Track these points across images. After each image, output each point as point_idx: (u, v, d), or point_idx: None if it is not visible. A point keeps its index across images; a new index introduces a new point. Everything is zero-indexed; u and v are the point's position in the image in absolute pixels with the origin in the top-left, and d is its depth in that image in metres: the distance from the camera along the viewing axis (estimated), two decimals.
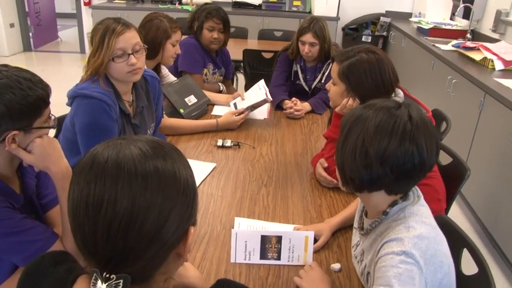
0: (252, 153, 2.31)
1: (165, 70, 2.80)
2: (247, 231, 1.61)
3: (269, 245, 1.49)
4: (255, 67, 4.15)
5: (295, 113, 2.84)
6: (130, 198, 0.74)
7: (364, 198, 1.28)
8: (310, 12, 6.63)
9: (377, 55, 1.81)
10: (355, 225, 1.43)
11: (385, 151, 1.12)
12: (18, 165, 1.38)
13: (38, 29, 8.26)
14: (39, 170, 1.37)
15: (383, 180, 1.16)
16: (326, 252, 1.57)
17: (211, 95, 2.97)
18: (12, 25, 7.61)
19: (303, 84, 3.15)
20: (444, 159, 2.05)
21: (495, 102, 3.06)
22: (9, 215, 1.25)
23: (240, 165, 2.18)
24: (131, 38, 1.86)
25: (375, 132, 1.14)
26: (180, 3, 6.96)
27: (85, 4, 7.44)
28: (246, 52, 4.08)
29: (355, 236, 1.42)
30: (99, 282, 0.76)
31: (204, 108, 2.83)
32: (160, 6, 6.84)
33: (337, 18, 6.47)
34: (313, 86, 3.14)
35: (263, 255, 1.49)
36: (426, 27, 5.17)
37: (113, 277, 0.75)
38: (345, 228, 1.68)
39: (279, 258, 1.50)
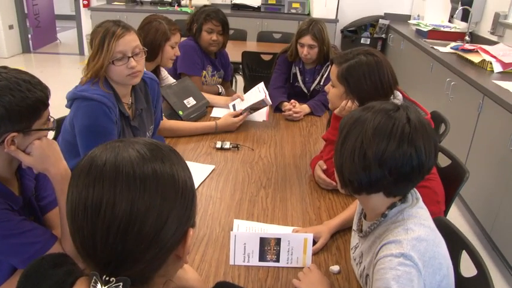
0: (250, 155, 2.31)
1: (164, 72, 2.81)
2: (246, 233, 1.61)
3: (268, 247, 1.49)
4: (254, 69, 4.16)
5: (294, 115, 2.84)
6: (128, 201, 0.74)
7: (363, 201, 1.28)
8: (309, 14, 6.64)
9: (376, 57, 1.82)
10: (354, 227, 1.43)
11: (384, 153, 1.12)
12: (17, 167, 1.38)
13: (37, 31, 8.26)
14: (38, 172, 1.37)
15: (381, 183, 1.16)
16: (325, 254, 1.58)
17: (210, 97, 2.97)
18: (11, 27, 7.61)
19: (302, 86, 3.16)
20: (443, 161, 2.05)
21: (494, 104, 3.06)
22: (8, 217, 1.25)
23: (239, 167, 2.18)
24: (131, 41, 1.87)
25: (373, 135, 1.14)
26: (179, 5, 6.96)
27: (84, 6, 7.45)
28: (245, 54, 4.08)
29: (354, 238, 1.42)
30: (99, 285, 0.76)
31: (203, 110, 2.83)
32: (159, 8, 6.85)
33: (336, 21, 6.48)
34: (312, 88, 3.14)
35: (262, 257, 1.49)
36: (425, 29, 5.18)
37: (113, 280, 0.75)
38: (343, 230, 1.69)
39: (278, 260, 1.50)
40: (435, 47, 4.56)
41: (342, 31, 6.74)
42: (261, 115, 2.86)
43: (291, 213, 1.81)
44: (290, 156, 2.33)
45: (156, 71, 2.67)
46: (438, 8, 5.74)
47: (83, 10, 7.53)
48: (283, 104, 2.92)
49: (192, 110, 2.74)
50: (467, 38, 4.91)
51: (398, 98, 1.87)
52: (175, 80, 2.85)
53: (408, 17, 6.59)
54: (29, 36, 8.10)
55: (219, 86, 3.30)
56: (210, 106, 2.95)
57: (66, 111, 1.95)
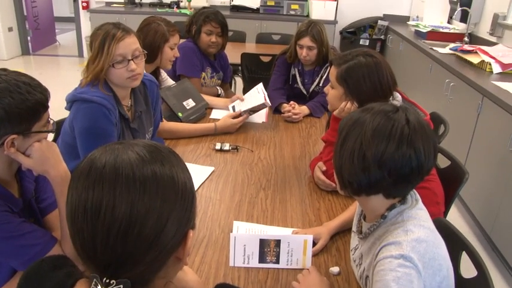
0: (250, 157, 2.31)
1: (163, 74, 2.81)
2: (246, 235, 1.61)
3: (268, 248, 1.49)
4: (253, 71, 4.16)
5: (294, 116, 2.84)
6: (128, 203, 0.74)
7: (362, 202, 1.28)
8: (308, 15, 6.65)
9: (375, 59, 1.82)
10: (354, 228, 1.43)
11: (383, 155, 1.12)
12: (17, 169, 1.38)
13: (36, 33, 8.27)
14: (38, 174, 1.37)
15: (381, 184, 1.16)
16: (325, 255, 1.57)
17: (210, 99, 2.97)
18: (10, 29, 7.62)
19: (301, 87, 3.16)
20: (442, 162, 2.05)
21: (493, 105, 3.06)
22: (8, 219, 1.25)
23: (239, 169, 2.18)
24: (131, 44, 1.87)
25: (372, 136, 1.14)
26: (178, 7, 6.97)
27: (83, 8, 7.46)
28: (244, 56, 4.08)
29: (354, 240, 1.42)
30: (99, 287, 0.76)
31: (202, 112, 2.83)
32: (158, 10, 6.86)
33: (335, 22, 6.49)
34: (311, 90, 3.15)
35: (262, 259, 1.49)
36: (424, 30, 5.18)
37: (113, 282, 0.75)
38: (343, 231, 1.69)
39: (277, 261, 1.50)
40: (434, 48, 4.57)
41: (341, 32, 6.75)
42: (260, 117, 2.86)
43: (291, 215, 1.81)
44: (289, 158, 2.33)
45: (156, 73, 2.67)
46: (437, 9, 5.75)
47: (82, 12, 7.54)
48: (283, 106, 2.93)
49: (191, 111, 2.74)
50: (466, 39, 4.91)
51: (397, 99, 1.87)
52: (174, 82, 2.85)
53: (407, 18, 6.60)
54: (28, 38, 8.11)
55: (218, 88, 3.30)
56: (209, 108, 2.95)
57: (65, 113, 1.95)
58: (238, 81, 4.64)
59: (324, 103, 2.92)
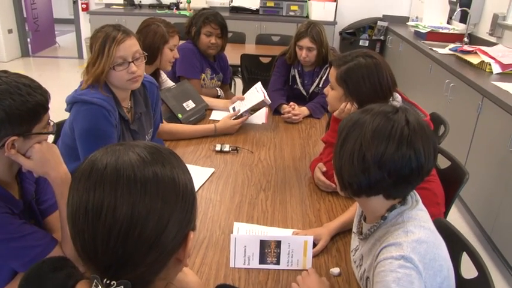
0: (250, 158, 2.31)
1: (163, 75, 2.81)
2: (246, 236, 1.60)
3: (268, 249, 1.49)
4: (253, 72, 4.16)
5: (293, 117, 2.85)
6: (129, 204, 0.74)
7: (363, 203, 1.28)
8: (307, 16, 6.66)
9: (375, 59, 1.82)
10: (354, 229, 1.43)
11: (383, 156, 1.12)
12: (17, 170, 1.38)
13: (36, 35, 8.28)
14: (38, 176, 1.38)
15: (381, 185, 1.16)
16: (325, 256, 1.57)
17: (209, 100, 2.98)
18: (10, 31, 7.62)
19: (301, 88, 3.16)
20: (442, 162, 2.05)
21: (493, 105, 3.06)
22: (8, 221, 1.25)
23: (239, 170, 2.18)
24: (131, 46, 1.87)
25: (372, 137, 1.14)
26: (178, 8, 6.98)
27: (83, 10, 7.47)
28: (243, 57, 4.09)
29: (354, 241, 1.42)
30: None
31: (202, 113, 2.83)
32: (157, 11, 6.87)
33: (334, 23, 6.50)
34: (310, 91, 3.15)
35: (262, 260, 1.49)
36: (423, 31, 5.19)
37: (113, 283, 0.75)
38: (344, 232, 1.69)
39: (278, 262, 1.50)
40: (434, 49, 4.57)
41: (340, 33, 6.75)
42: (260, 118, 2.86)
43: (291, 216, 1.81)
44: (289, 159, 2.33)
45: (155, 74, 2.67)
46: (436, 10, 5.75)
47: (81, 14, 7.54)
48: (283, 107, 2.93)
49: (191, 113, 2.74)
50: (466, 39, 4.92)
51: (397, 99, 1.87)
52: (174, 83, 2.85)
53: (407, 18, 6.60)
54: (28, 40, 8.12)
55: (218, 89, 3.30)
56: (209, 109, 2.95)
57: (65, 115, 1.96)
58: (238, 83, 4.64)
59: (324, 104, 2.92)
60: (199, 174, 2.09)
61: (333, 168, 1.27)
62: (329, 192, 1.99)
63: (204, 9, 3.23)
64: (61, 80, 6.72)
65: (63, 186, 1.33)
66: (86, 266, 0.79)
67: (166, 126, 2.48)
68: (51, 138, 1.74)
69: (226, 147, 2.37)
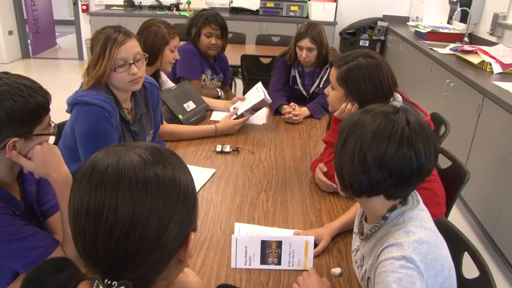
0: (251, 159, 2.31)
1: (163, 76, 2.81)
2: (247, 236, 1.61)
3: (269, 250, 1.49)
4: (253, 72, 4.16)
5: (294, 118, 2.84)
6: (131, 205, 0.74)
7: (363, 203, 1.28)
8: (307, 17, 6.66)
9: (375, 60, 1.82)
10: (355, 230, 1.43)
11: (383, 156, 1.12)
12: (18, 172, 1.38)
13: (37, 36, 8.28)
14: (40, 177, 1.38)
15: (382, 185, 1.16)
16: (326, 256, 1.57)
17: (210, 101, 2.98)
18: (10, 32, 7.63)
19: (301, 89, 3.16)
20: (443, 162, 2.05)
21: (494, 105, 3.06)
22: (9, 222, 1.26)
23: (239, 171, 2.18)
24: (132, 48, 1.87)
25: (372, 138, 1.14)
26: (178, 9, 6.98)
27: (83, 11, 7.47)
28: (244, 57, 4.09)
29: (355, 241, 1.42)
30: None
31: (202, 114, 2.83)
32: (158, 12, 6.87)
33: (334, 23, 6.50)
34: (311, 91, 3.15)
35: (263, 260, 1.49)
36: (423, 31, 5.19)
37: (115, 284, 0.75)
38: (345, 232, 1.68)
39: (279, 263, 1.50)
40: (434, 49, 4.57)
41: (340, 33, 6.75)
42: (260, 118, 2.87)
43: (292, 216, 1.81)
44: (290, 159, 2.33)
45: (156, 75, 2.67)
46: (437, 10, 5.75)
47: (81, 15, 7.55)
48: (283, 107, 2.93)
49: (191, 113, 2.74)
50: (466, 39, 4.91)
51: (398, 100, 1.87)
52: (174, 84, 2.85)
53: (407, 18, 6.60)
54: (29, 41, 8.12)
55: (218, 90, 3.31)
56: (209, 110, 2.95)
57: (65, 116, 1.96)
58: (239, 83, 4.64)
59: (324, 104, 2.92)
60: (200, 174, 2.09)
61: (334, 168, 1.27)
62: (330, 193, 1.99)
63: (204, 10, 3.23)
64: (61, 81, 6.73)
65: (64, 187, 1.34)
66: (87, 267, 0.80)
67: (167, 127, 2.48)
68: (52, 139, 1.74)
69: (227, 148, 2.37)
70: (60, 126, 2.04)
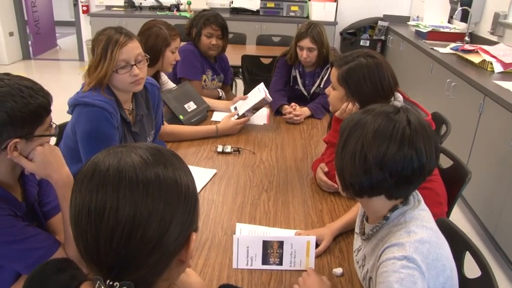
0: (252, 159, 2.31)
1: (164, 77, 2.81)
2: (248, 236, 1.61)
3: (271, 250, 1.49)
4: (254, 73, 4.16)
5: (295, 118, 2.84)
6: (132, 205, 0.74)
7: (365, 203, 1.28)
8: (307, 17, 6.65)
9: (376, 59, 1.82)
10: (357, 230, 1.43)
11: (384, 156, 1.12)
12: (20, 173, 1.39)
13: (37, 37, 8.29)
14: (41, 178, 1.38)
15: (383, 185, 1.16)
16: (328, 256, 1.57)
17: (211, 101, 2.98)
18: (11, 34, 7.63)
19: (302, 89, 3.16)
20: (445, 162, 2.05)
21: (495, 104, 3.06)
22: (11, 223, 1.26)
23: (241, 171, 2.18)
24: (134, 49, 1.87)
25: (373, 138, 1.14)
26: (178, 10, 6.98)
27: (83, 12, 7.47)
28: (244, 58, 4.09)
29: (357, 241, 1.42)
30: None
31: (203, 115, 2.83)
32: (158, 13, 6.87)
33: (335, 23, 6.49)
34: (312, 91, 3.15)
35: (265, 261, 1.49)
36: (424, 30, 5.18)
37: (116, 284, 0.75)
38: (346, 232, 1.68)
39: (281, 263, 1.50)
40: (435, 48, 4.56)
41: (341, 33, 6.75)
42: (261, 118, 2.87)
43: (293, 216, 1.81)
44: (291, 159, 2.33)
45: (156, 76, 2.67)
46: (437, 9, 5.74)
47: (82, 16, 7.55)
48: (284, 107, 2.93)
49: (192, 114, 2.74)
50: (467, 38, 4.91)
51: (399, 99, 1.87)
52: (175, 85, 2.85)
53: (407, 18, 6.60)
54: (29, 42, 8.13)
55: (219, 90, 3.31)
56: (210, 110, 2.95)
57: (66, 117, 1.96)
58: (239, 84, 4.64)
59: (325, 104, 2.92)
60: (201, 175, 2.09)
61: (335, 168, 1.27)
62: (331, 193, 1.99)
63: (204, 10, 3.23)
64: (62, 82, 6.73)
65: (66, 188, 1.34)
66: (88, 268, 0.80)
67: (167, 127, 2.48)
68: (53, 140, 1.74)
69: (228, 148, 2.37)
70: (61, 127, 2.04)
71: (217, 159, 2.30)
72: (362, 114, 1.22)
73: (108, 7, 7.24)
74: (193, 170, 1.92)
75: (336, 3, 6.49)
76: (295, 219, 1.79)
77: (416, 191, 1.26)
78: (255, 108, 2.70)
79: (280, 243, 1.49)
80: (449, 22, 5.63)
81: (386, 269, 1.09)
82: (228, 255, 1.54)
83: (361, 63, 1.81)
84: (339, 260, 1.56)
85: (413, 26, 5.63)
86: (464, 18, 5.07)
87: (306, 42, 2.92)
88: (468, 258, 1.41)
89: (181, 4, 7.01)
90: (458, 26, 5.29)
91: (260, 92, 2.68)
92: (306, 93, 3.17)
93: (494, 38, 4.56)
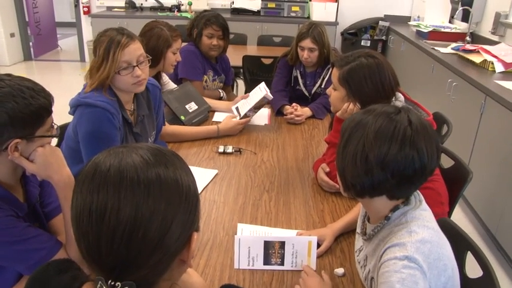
0: (253, 159, 2.31)
1: (165, 77, 2.81)
2: (250, 237, 1.61)
3: (272, 250, 1.49)
4: (255, 73, 4.16)
5: (296, 118, 2.84)
6: (133, 206, 0.74)
7: (366, 204, 1.28)
8: (308, 17, 6.65)
9: (377, 60, 1.82)
10: (358, 230, 1.43)
11: (386, 156, 1.12)
12: (21, 174, 1.39)
13: (38, 38, 8.30)
14: (42, 179, 1.38)
15: (384, 186, 1.16)
16: (329, 257, 1.57)
17: (212, 102, 2.98)
18: (12, 35, 7.64)
19: (303, 89, 3.16)
20: (446, 162, 2.05)
21: (496, 104, 3.06)
22: (13, 224, 1.26)
23: (242, 171, 2.18)
24: (136, 50, 1.87)
25: (375, 138, 1.14)
26: (179, 10, 6.98)
27: (84, 13, 7.47)
28: (245, 58, 4.09)
29: (358, 241, 1.42)
30: None
31: (204, 115, 2.84)
32: (159, 13, 6.87)
33: (335, 23, 6.49)
34: (313, 91, 3.15)
35: (266, 261, 1.49)
36: (425, 30, 5.18)
37: (118, 284, 0.75)
38: (348, 232, 1.68)
39: (282, 263, 1.50)
40: (436, 48, 4.56)
41: (342, 34, 6.75)
42: (262, 119, 2.87)
43: (295, 217, 1.81)
44: (293, 160, 2.33)
45: (157, 77, 2.67)
46: (438, 9, 5.74)
47: (83, 17, 7.55)
48: (285, 108, 2.92)
49: (193, 114, 2.74)
50: (468, 38, 4.91)
51: (400, 99, 1.87)
52: (176, 85, 2.85)
53: (408, 18, 6.59)
54: (30, 43, 8.13)
55: (220, 91, 3.31)
56: (211, 111, 2.95)
57: (67, 118, 1.96)
58: (240, 84, 4.64)
59: (326, 104, 2.92)
60: (202, 175, 2.09)
61: (336, 168, 1.27)
62: (332, 193, 1.98)
63: (205, 11, 3.23)
64: (63, 83, 6.74)
65: (67, 189, 1.34)
66: (90, 268, 0.80)
67: (169, 128, 2.48)
68: (54, 141, 1.74)
69: (229, 149, 2.37)
70: (63, 128, 2.04)
71: (218, 159, 2.30)
72: (363, 114, 1.22)
73: (109, 8, 7.25)
74: (195, 170, 1.92)
75: (336, 3, 6.49)
76: (297, 220, 1.79)
77: (418, 191, 1.26)
78: (257, 108, 2.70)
79: (282, 244, 1.49)
80: (450, 22, 5.63)
81: (388, 269, 1.09)
82: (230, 255, 1.54)
83: (362, 64, 1.81)
84: (341, 260, 1.56)
85: (414, 26, 5.63)
86: (465, 18, 5.07)
87: (307, 43, 2.92)
88: (470, 258, 1.41)
89: (182, 5, 7.01)
90: (459, 26, 5.29)
91: (261, 90, 2.68)
92: (307, 94, 3.17)
93: (495, 38, 4.55)
